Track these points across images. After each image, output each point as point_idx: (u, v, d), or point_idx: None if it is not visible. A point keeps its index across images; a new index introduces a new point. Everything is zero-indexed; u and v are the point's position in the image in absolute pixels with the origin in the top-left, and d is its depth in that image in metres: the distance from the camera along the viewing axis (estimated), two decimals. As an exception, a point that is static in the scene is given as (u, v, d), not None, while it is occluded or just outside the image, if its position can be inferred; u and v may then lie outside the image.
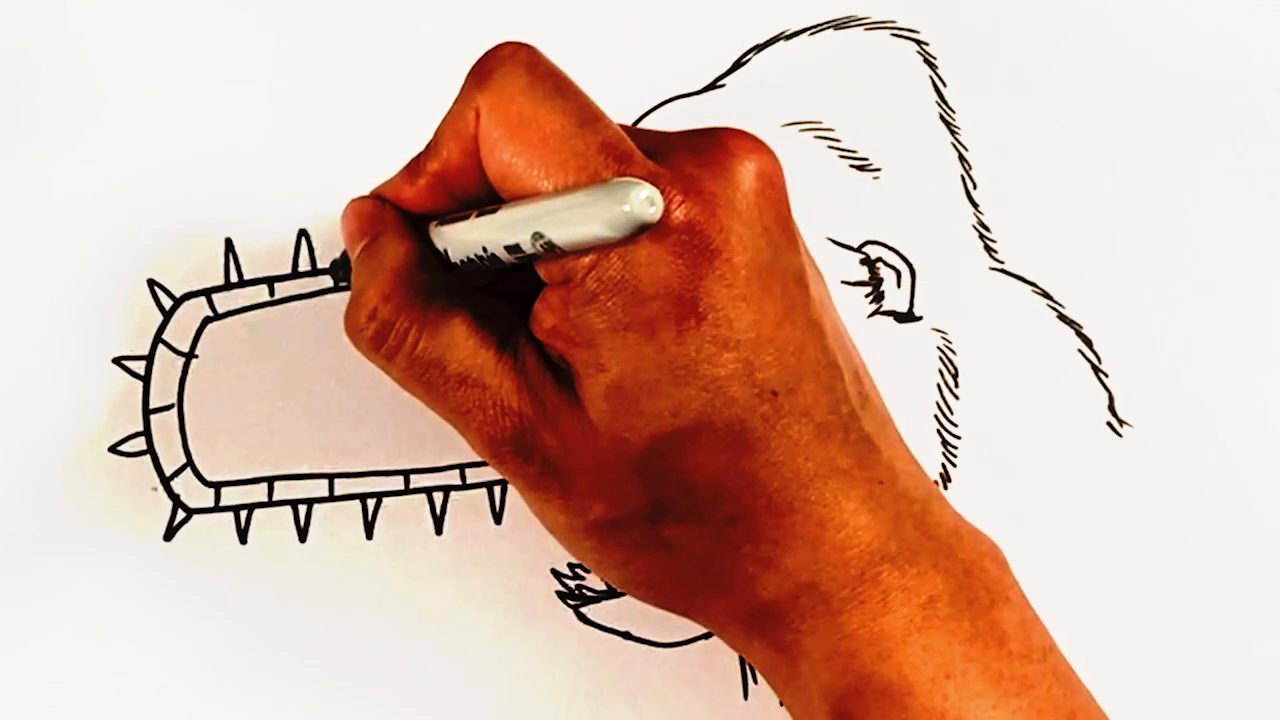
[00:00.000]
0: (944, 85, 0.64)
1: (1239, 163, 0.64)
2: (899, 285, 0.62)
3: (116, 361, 0.59)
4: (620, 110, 0.63)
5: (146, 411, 0.59)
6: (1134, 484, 0.62)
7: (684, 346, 0.43)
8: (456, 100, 0.47)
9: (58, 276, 0.60)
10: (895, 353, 0.62)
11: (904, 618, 0.45)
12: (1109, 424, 0.62)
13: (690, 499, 0.44)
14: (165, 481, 0.59)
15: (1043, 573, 0.61)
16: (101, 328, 0.60)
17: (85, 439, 0.59)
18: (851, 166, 0.63)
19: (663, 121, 0.62)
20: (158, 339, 0.59)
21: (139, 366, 0.59)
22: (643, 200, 0.41)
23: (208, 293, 0.60)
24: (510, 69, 0.45)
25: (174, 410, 0.59)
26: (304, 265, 0.60)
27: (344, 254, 0.54)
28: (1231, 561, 0.61)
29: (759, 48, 0.64)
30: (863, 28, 0.64)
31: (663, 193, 0.43)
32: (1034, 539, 0.61)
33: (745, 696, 0.59)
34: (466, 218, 0.47)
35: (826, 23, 0.64)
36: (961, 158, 0.63)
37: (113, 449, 0.59)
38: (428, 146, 0.48)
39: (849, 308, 0.62)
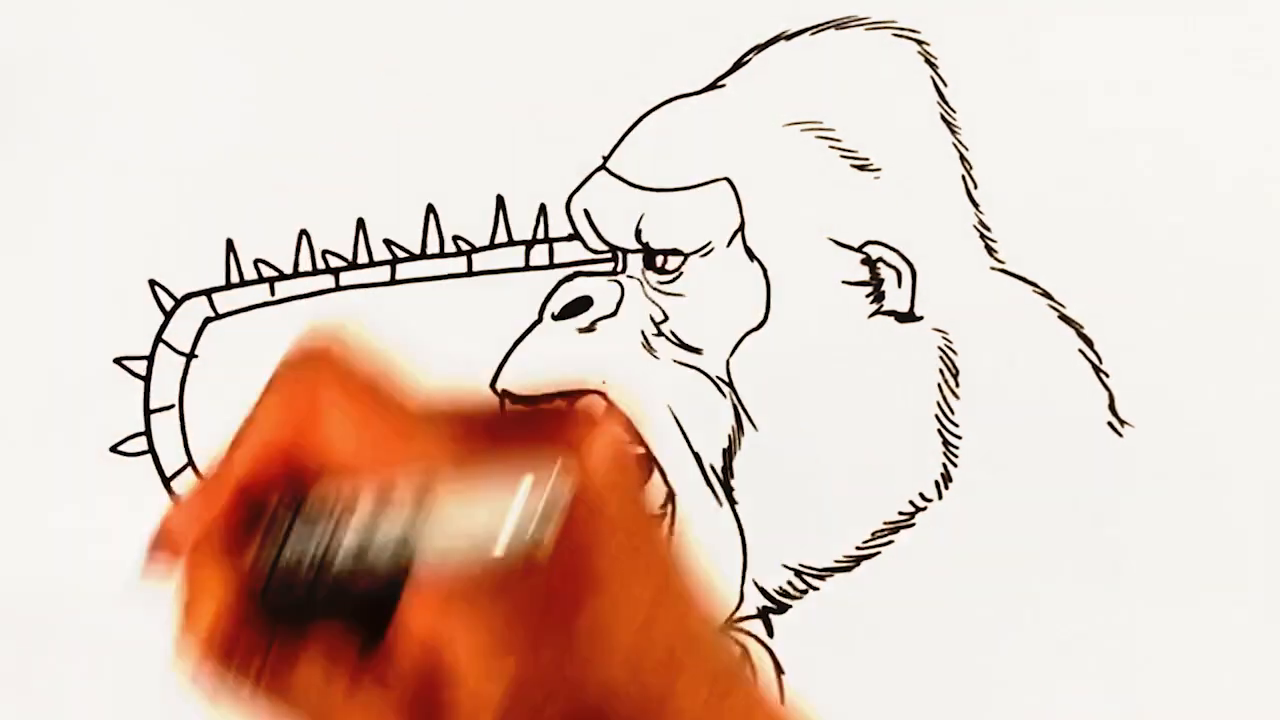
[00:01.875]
0: (944, 85, 0.64)
1: (1239, 163, 0.64)
2: (899, 285, 0.62)
3: (117, 361, 0.59)
4: (620, 110, 0.63)
5: (147, 411, 0.59)
6: (1134, 484, 0.62)
7: (576, 635, 0.41)
8: (262, 405, 0.42)
9: (58, 276, 0.60)
10: (895, 353, 0.62)
11: None
12: (1109, 424, 0.62)
13: None
14: (165, 481, 0.59)
15: (1043, 572, 0.61)
16: (101, 328, 0.60)
17: (85, 439, 0.59)
18: (852, 166, 0.63)
19: (663, 121, 0.62)
20: (158, 339, 0.59)
21: (139, 366, 0.59)
22: (556, 484, 0.38)
23: (208, 293, 0.60)
24: (343, 352, 0.41)
25: (174, 410, 0.59)
26: (304, 265, 0.61)
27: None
28: (1231, 561, 0.61)
29: (759, 48, 0.64)
30: (863, 28, 0.64)
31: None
32: (1034, 539, 0.61)
33: (746, 696, 0.59)
34: (307, 523, 0.43)
35: (827, 23, 0.64)
36: (962, 158, 0.63)
37: (113, 449, 0.59)
38: (228, 456, 0.43)
39: (849, 308, 0.62)
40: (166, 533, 0.45)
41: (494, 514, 0.39)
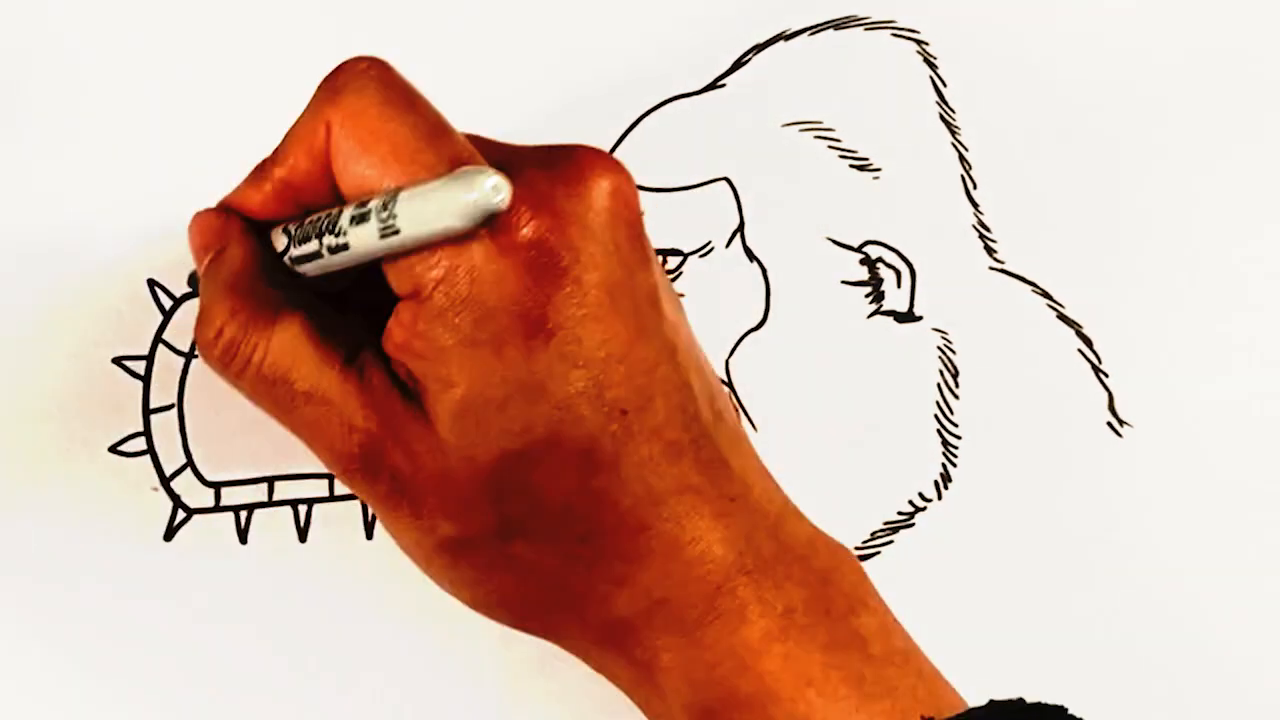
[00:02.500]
0: (944, 85, 0.64)
1: (1239, 162, 0.64)
2: (899, 285, 0.62)
3: (116, 361, 0.59)
4: (620, 110, 0.63)
5: (146, 411, 0.59)
6: (1134, 484, 0.62)
7: (532, 364, 0.43)
8: (306, 111, 0.46)
9: (58, 276, 0.60)
10: (895, 353, 0.62)
11: (762, 629, 0.45)
12: (1109, 424, 0.62)
13: (540, 517, 0.44)
14: (165, 481, 0.59)
15: (1042, 572, 0.61)
16: (101, 328, 0.60)
17: (85, 439, 0.59)
18: (851, 166, 0.63)
19: (663, 121, 0.63)
20: (158, 339, 0.59)
21: (139, 366, 0.59)
22: (489, 188, 0.41)
23: (208, 293, 0.60)
24: (362, 83, 0.45)
25: (174, 410, 0.59)
26: (304, 265, 0.60)
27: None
28: (1231, 561, 0.61)
29: (759, 48, 0.64)
30: (863, 28, 0.64)
31: (516, 212, 0.42)
32: (1034, 539, 0.61)
33: (745, 696, 0.59)
34: (315, 221, 0.46)
35: (826, 23, 0.64)
36: (961, 158, 0.63)
37: (113, 449, 0.59)
38: (274, 153, 0.48)
39: (849, 308, 0.62)
40: (208, 215, 0.49)
41: (450, 197, 0.41)
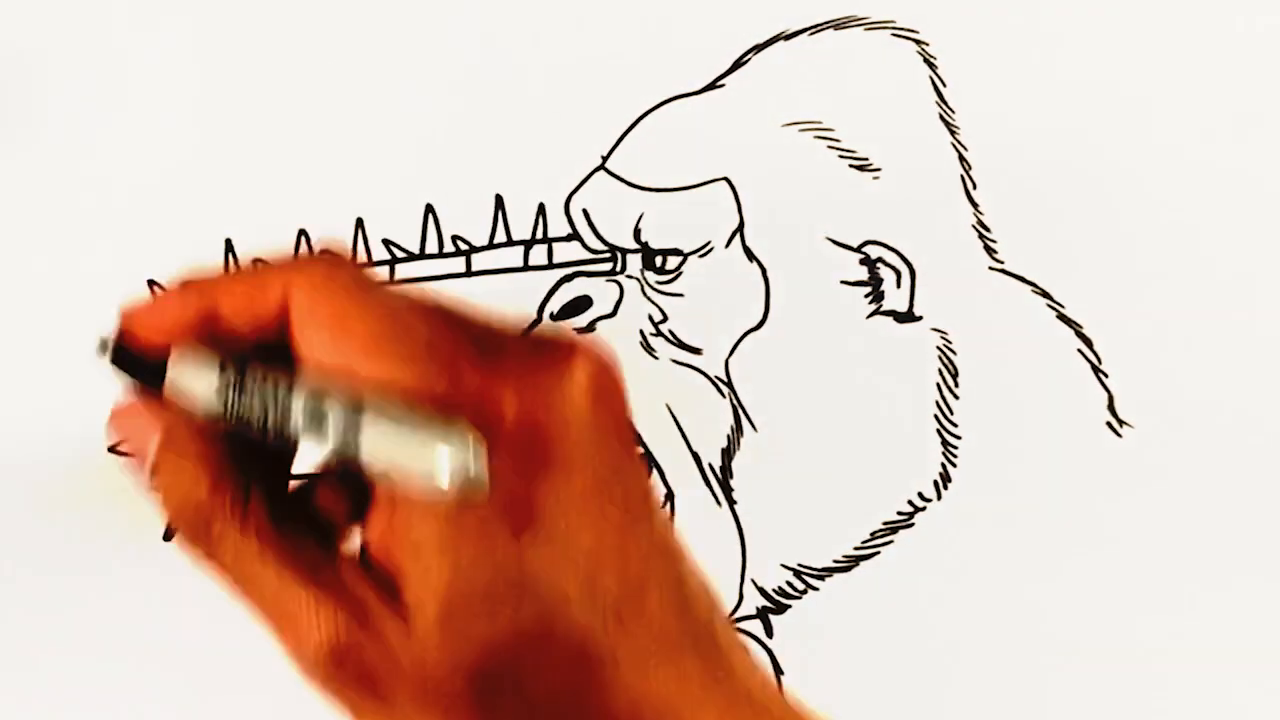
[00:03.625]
0: (944, 85, 0.64)
1: (1239, 163, 0.64)
2: (899, 285, 0.62)
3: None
4: (619, 110, 0.63)
5: (146, 411, 0.59)
6: (1134, 484, 0.62)
7: (520, 555, 0.41)
8: (260, 270, 0.43)
9: (58, 276, 0.60)
10: (895, 353, 0.62)
11: None
12: (1109, 424, 0.62)
13: (529, 715, 0.42)
14: (165, 481, 0.59)
15: (1042, 572, 0.61)
16: (101, 328, 0.60)
17: (85, 439, 0.59)
18: (851, 166, 0.63)
19: (663, 121, 0.63)
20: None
21: (139, 366, 0.59)
22: (465, 461, 0.39)
23: (208, 293, 0.60)
24: (333, 263, 0.42)
25: (174, 410, 0.59)
26: (304, 265, 0.61)
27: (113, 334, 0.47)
28: (1231, 561, 0.61)
29: (759, 48, 0.64)
30: (863, 28, 0.64)
31: (495, 397, 0.41)
32: (1033, 539, 0.61)
33: (745, 696, 0.59)
34: (255, 388, 0.42)
35: (826, 23, 0.64)
36: (961, 158, 0.63)
37: (113, 449, 0.59)
38: (209, 282, 0.44)
39: (849, 308, 0.62)
40: (133, 322, 0.45)
41: (422, 449, 0.39)
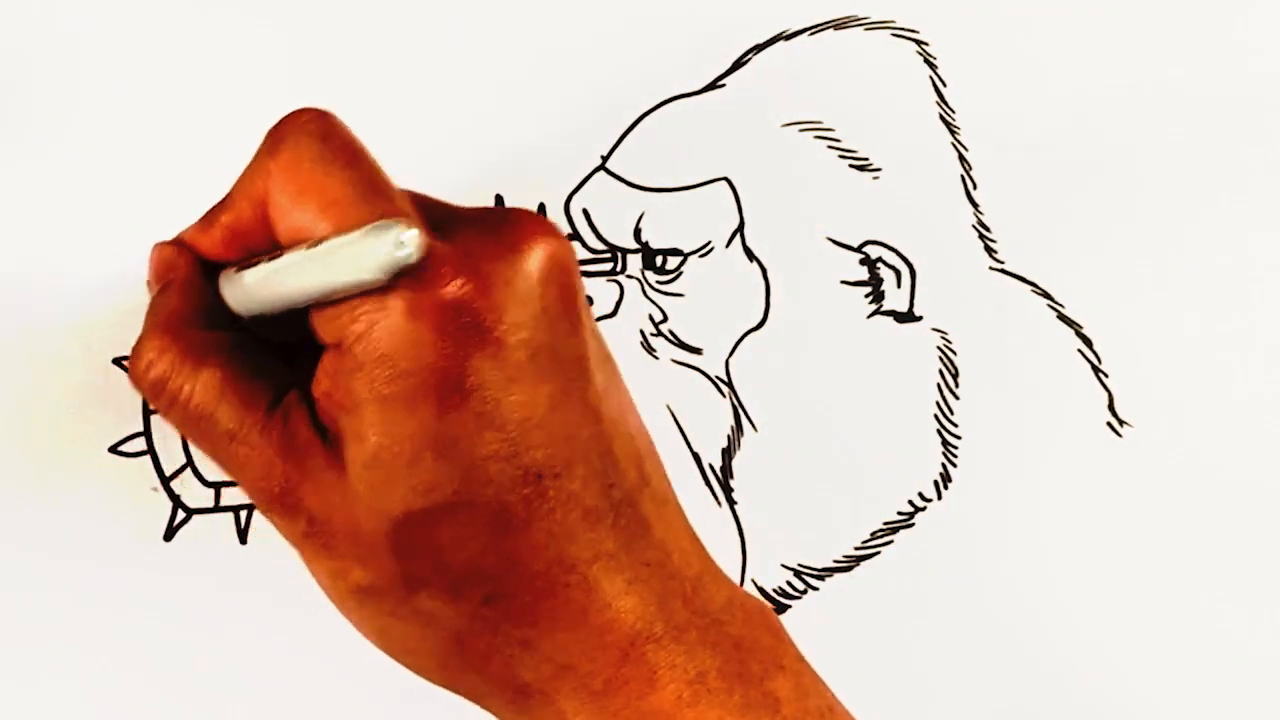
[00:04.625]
0: (944, 85, 0.64)
1: (1239, 162, 0.64)
2: (899, 285, 0.62)
3: (116, 362, 0.59)
4: (619, 110, 0.63)
5: (146, 411, 0.59)
6: (1134, 484, 0.62)
7: (445, 423, 0.43)
8: (252, 160, 0.47)
9: (58, 276, 0.60)
10: (895, 353, 0.62)
11: (673, 694, 0.45)
12: (1109, 424, 0.62)
13: (446, 575, 0.44)
14: (165, 481, 0.59)
15: (1042, 572, 0.61)
16: (101, 328, 0.60)
17: (85, 439, 0.59)
18: (851, 166, 0.63)
19: (663, 121, 0.63)
20: (158, 339, 0.59)
21: (139, 366, 0.59)
22: (400, 241, 0.41)
23: (208, 293, 0.60)
24: (302, 137, 0.45)
25: (174, 410, 0.59)
26: (304, 265, 0.60)
27: None
28: (1231, 561, 0.61)
29: (759, 48, 0.64)
30: (863, 28, 0.64)
31: (439, 272, 0.43)
32: (1034, 539, 0.61)
33: (745, 696, 0.59)
34: (253, 265, 0.47)
35: (826, 23, 0.64)
36: (961, 158, 0.63)
37: (113, 449, 0.59)
38: (223, 199, 0.49)
39: (849, 308, 0.62)
40: (163, 249, 0.50)
41: (363, 250, 0.42)
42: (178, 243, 0.50)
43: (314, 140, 0.45)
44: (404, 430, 0.43)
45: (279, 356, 0.48)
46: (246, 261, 0.47)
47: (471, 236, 0.44)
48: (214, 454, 0.47)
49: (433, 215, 0.45)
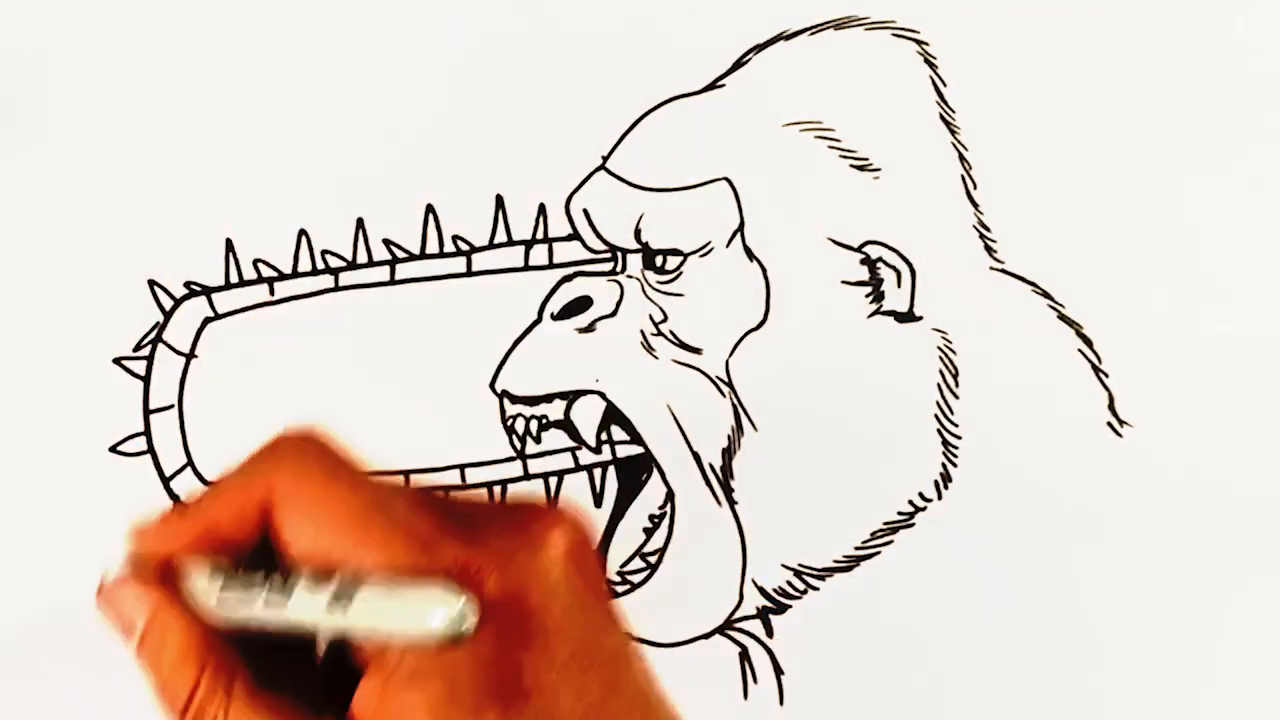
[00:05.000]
0: (944, 85, 0.64)
1: (1239, 162, 0.64)
2: (899, 285, 0.62)
3: (116, 361, 0.59)
4: (620, 110, 0.63)
5: (146, 411, 0.59)
6: (1134, 484, 0.62)
7: None
8: (239, 471, 0.45)
9: (58, 276, 0.60)
10: (895, 353, 0.62)
11: None
12: (1109, 424, 0.62)
13: None
14: (165, 481, 0.59)
15: (1042, 572, 0.61)
16: (101, 328, 0.60)
17: (85, 439, 0.59)
18: (851, 166, 0.63)
19: (663, 121, 0.62)
20: (158, 339, 0.59)
21: (139, 366, 0.59)
22: (459, 611, 0.41)
23: (208, 293, 0.60)
24: (308, 450, 0.44)
25: (174, 410, 0.59)
26: (304, 265, 0.61)
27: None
28: (1231, 561, 0.61)
29: (759, 48, 0.64)
30: (863, 28, 0.64)
31: (476, 571, 0.42)
32: (1033, 539, 0.61)
33: (745, 696, 0.59)
34: (253, 587, 0.44)
35: (826, 23, 0.64)
36: (961, 158, 0.63)
37: (113, 449, 0.59)
38: (198, 500, 0.46)
39: (849, 308, 0.62)
40: (121, 590, 0.47)
41: (413, 610, 0.41)
42: (135, 571, 0.47)
43: (321, 454, 0.44)
44: None
45: (268, 663, 0.46)
46: (241, 576, 0.45)
47: (497, 534, 0.44)
48: None
49: (451, 511, 0.44)
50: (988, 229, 0.63)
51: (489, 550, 0.43)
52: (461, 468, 0.59)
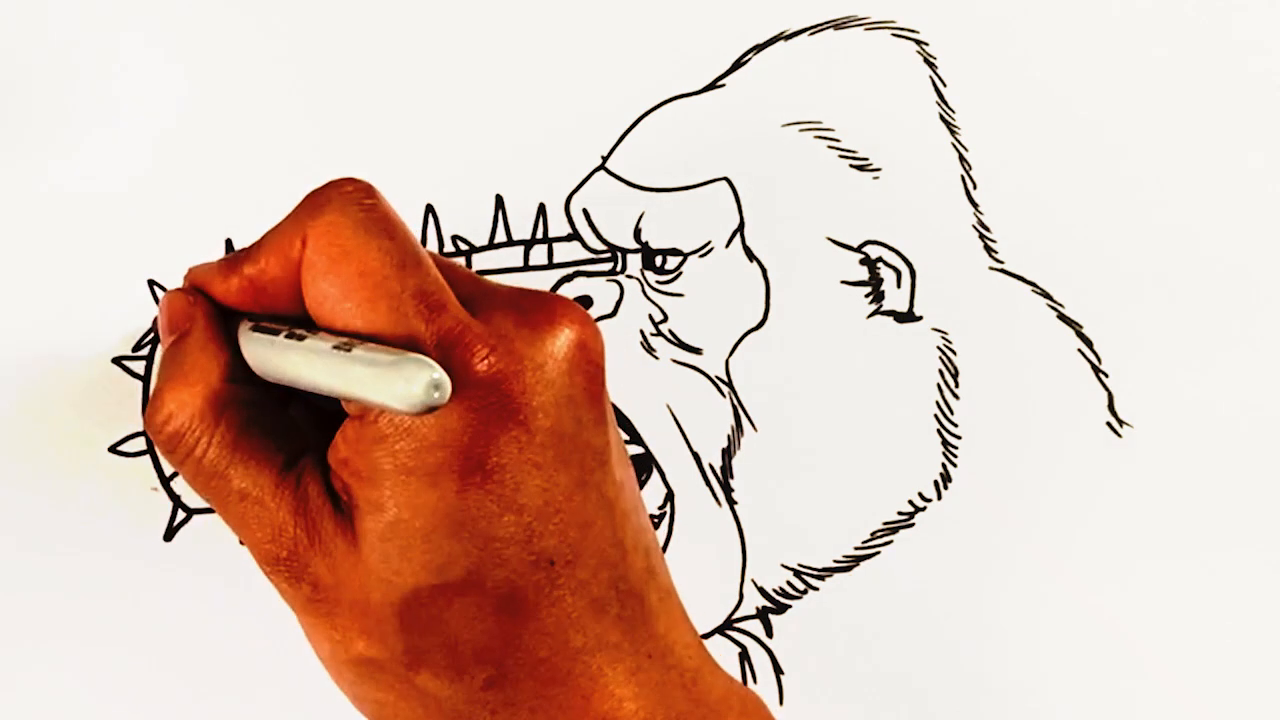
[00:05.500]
0: (944, 85, 0.64)
1: (1239, 162, 0.64)
2: (899, 285, 0.62)
3: (116, 361, 0.59)
4: (619, 110, 0.63)
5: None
6: (1134, 484, 0.62)
7: (464, 501, 0.43)
8: (286, 218, 0.47)
9: (58, 276, 0.60)
10: (895, 353, 0.62)
11: None
12: (1109, 424, 0.62)
13: (449, 654, 0.44)
14: (165, 481, 0.59)
15: (1042, 573, 0.61)
16: (101, 328, 0.60)
17: (85, 439, 0.59)
18: (851, 166, 0.63)
19: (663, 121, 0.62)
20: (158, 339, 0.59)
21: (139, 366, 0.59)
22: (428, 385, 0.41)
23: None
24: (344, 203, 0.45)
25: (174, 410, 0.59)
26: (304, 265, 0.60)
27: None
28: (1231, 561, 0.61)
29: (759, 48, 0.64)
30: (863, 28, 0.64)
31: (468, 346, 0.43)
32: (1033, 539, 0.61)
33: (745, 696, 0.59)
34: (276, 333, 0.46)
35: (826, 23, 0.64)
36: (961, 158, 0.63)
37: (113, 449, 0.59)
38: (248, 249, 0.48)
39: (849, 308, 0.62)
40: (177, 297, 0.49)
41: (392, 383, 0.41)
42: (191, 289, 0.50)
43: (356, 208, 0.45)
44: (423, 504, 0.43)
45: (294, 415, 0.48)
46: (268, 324, 0.47)
47: (505, 316, 0.44)
48: (224, 512, 0.47)
49: (465, 289, 0.45)
50: (988, 229, 0.63)
51: (490, 328, 0.44)
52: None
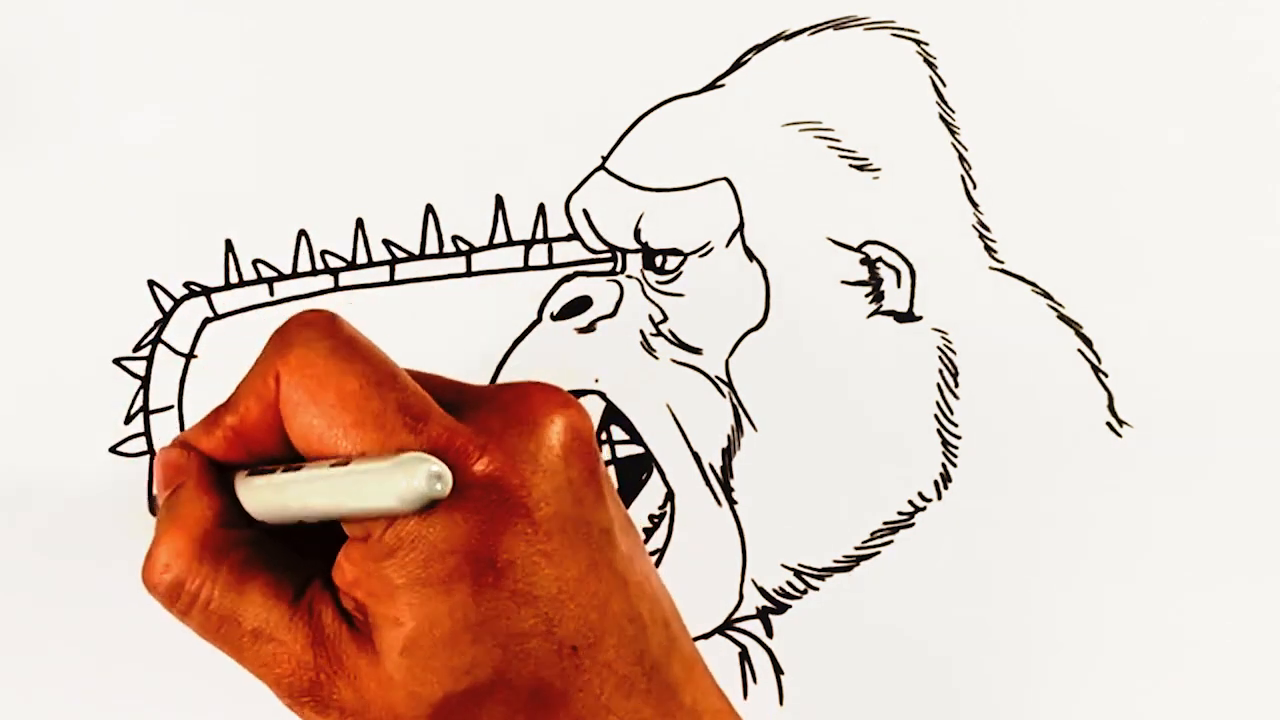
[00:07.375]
0: (944, 85, 0.64)
1: (1239, 162, 0.64)
2: (899, 285, 0.62)
3: (116, 361, 0.59)
4: (619, 110, 0.63)
5: (146, 412, 0.59)
6: (1134, 484, 0.62)
7: (480, 602, 0.43)
8: (257, 362, 0.46)
9: (58, 276, 0.60)
10: (895, 353, 0.62)
11: None
12: (1109, 424, 0.62)
13: None
14: (165, 481, 0.59)
15: (1042, 573, 0.61)
16: (101, 328, 0.60)
17: (85, 439, 0.59)
18: (851, 166, 0.63)
19: (663, 121, 0.63)
20: (157, 339, 0.59)
21: (139, 366, 0.59)
22: (430, 476, 0.41)
23: (208, 293, 0.60)
24: (310, 335, 0.45)
25: (174, 410, 0.59)
26: (304, 265, 0.61)
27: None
28: (1231, 561, 0.61)
29: (759, 48, 0.64)
30: (863, 28, 0.64)
31: (461, 449, 0.43)
32: (1033, 539, 0.61)
33: (745, 696, 0.59)
34: (270, 472, 0.46)
35: (826, 23, 0.64)
36: (961, 158, 0.63)
37: (113, 449, 0.59)
38: (227, 401, 0.48)
39: (849, 308, 0.62)
40: (170, 452, 0.49)
41: (393, 483, 0.41)
42: (183, 444, 0.49)
43: (323, 338, 0.45)
44: (441, 612, 0.43)
45: (292, 545, 0.47)
46: (260, 467, 0.47)
47: (490, 414, 0.44)
48: (239, 655, 0.46)
49: (444, 395, 0.45)
50: (988, 229, 0.63)
51: (480, 429, 0.44)
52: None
